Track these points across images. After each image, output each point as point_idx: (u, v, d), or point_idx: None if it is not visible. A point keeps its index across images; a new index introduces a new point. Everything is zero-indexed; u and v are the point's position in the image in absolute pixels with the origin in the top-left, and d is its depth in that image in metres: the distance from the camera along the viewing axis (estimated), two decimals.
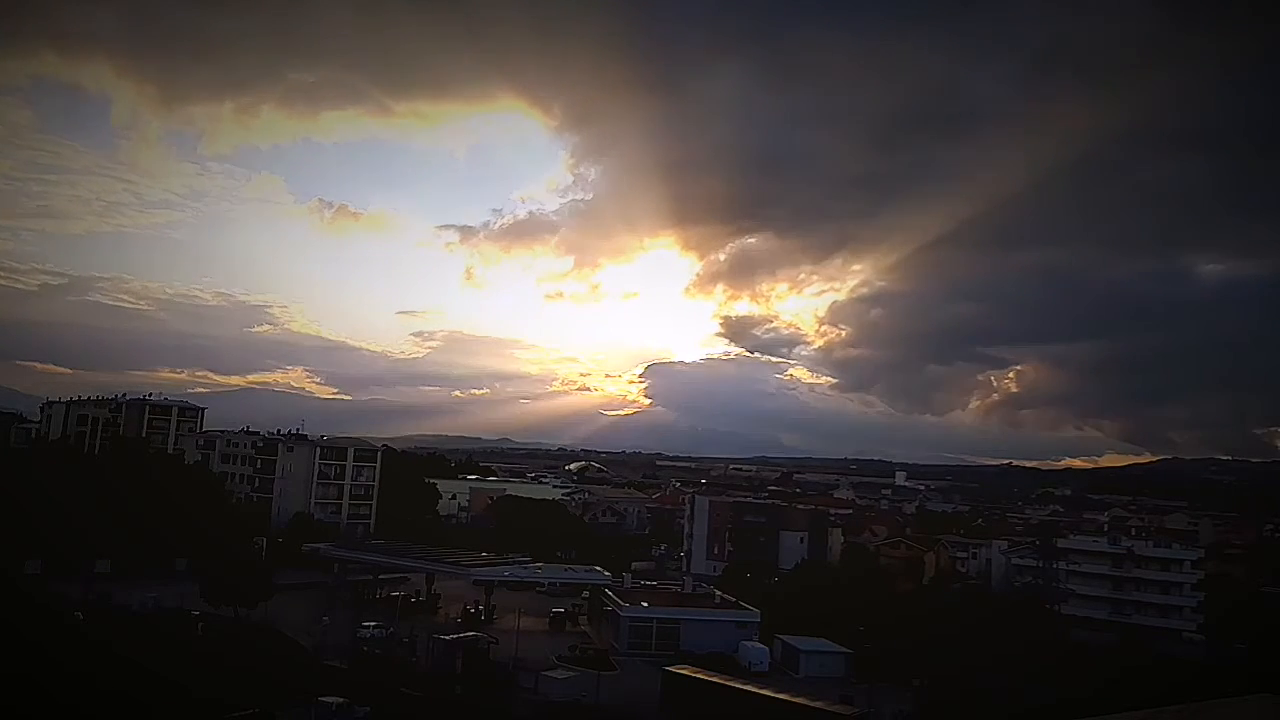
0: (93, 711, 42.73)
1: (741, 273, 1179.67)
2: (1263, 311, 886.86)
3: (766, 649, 74.98)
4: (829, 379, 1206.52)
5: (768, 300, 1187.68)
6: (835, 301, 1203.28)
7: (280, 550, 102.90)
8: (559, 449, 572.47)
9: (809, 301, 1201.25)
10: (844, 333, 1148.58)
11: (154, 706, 45.51)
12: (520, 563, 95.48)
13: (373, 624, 71.74)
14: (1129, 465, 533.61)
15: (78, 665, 46.67)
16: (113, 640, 54.12)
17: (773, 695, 57.10)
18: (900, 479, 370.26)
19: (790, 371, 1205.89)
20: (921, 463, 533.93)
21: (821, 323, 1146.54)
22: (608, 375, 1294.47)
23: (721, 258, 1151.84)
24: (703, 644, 73.96)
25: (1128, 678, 57.95)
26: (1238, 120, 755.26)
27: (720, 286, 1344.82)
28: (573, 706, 57.35)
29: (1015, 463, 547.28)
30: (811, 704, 55.16)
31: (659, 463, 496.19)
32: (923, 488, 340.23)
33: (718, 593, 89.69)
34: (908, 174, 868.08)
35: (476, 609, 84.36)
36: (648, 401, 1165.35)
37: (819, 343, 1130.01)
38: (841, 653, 73.46)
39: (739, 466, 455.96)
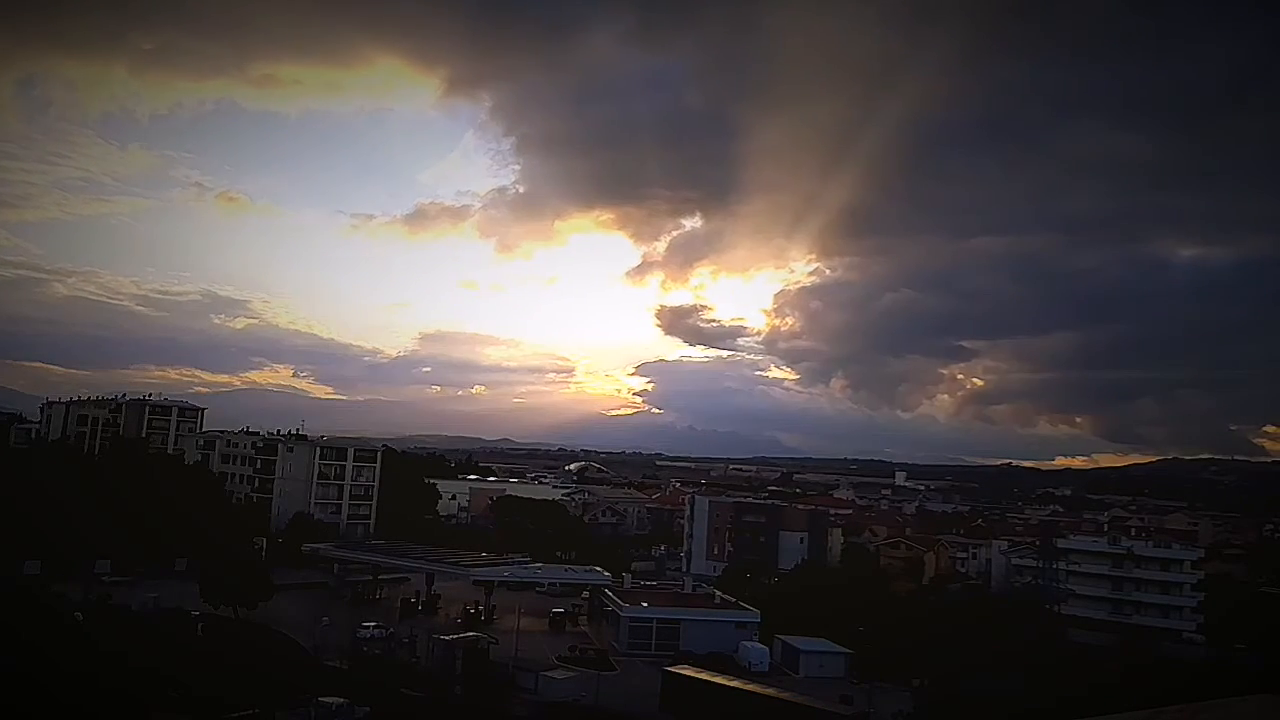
0: (93, 711, 42.75)
1: (679, 260, 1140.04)
2: (1237, 299, 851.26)
3: (766, 649, 74.95)
4: (790, 373, 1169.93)
5: (704, 290, 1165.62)
6: (781, 290, 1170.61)
7: (280, 550, 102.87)
8: (559, 449, 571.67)
9: (756, 290, 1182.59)
10: (791, 323, 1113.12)
11: (154, 706, 45.58)
12: (520, 563, 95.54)
13: (373, 624, 71.78)
14: (1128, 465, 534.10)
15: (78, 665, 46.63)
16: (113, 640, 54.10)
17: (773, 695, 57.16)
18: (900, 479, 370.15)
19: (770, 370, 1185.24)
20: (921, 463, 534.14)
21: (770, 315, 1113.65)
22: (607, 375, 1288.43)
23: (659, 246, 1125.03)
24: (703, 644, 73.98)
25: (1128, 678, 57.90)
26: (1175, 86, 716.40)
27: (659, 275, 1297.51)
28: (573, 706, 57.39)
29: (1015, 463, 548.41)
30: (811, 704, 55.22)
31: (659, 463, 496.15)
32: (923, 488, 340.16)
33: (718, 593, 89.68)
34: (808, 136, 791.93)
35: (476, 609, 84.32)
36: (640, 400, 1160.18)
37: (764, 333, 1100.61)
38: (841, 653, 73.43)
39: (739, 466, 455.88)
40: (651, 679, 62.36)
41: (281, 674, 54.87)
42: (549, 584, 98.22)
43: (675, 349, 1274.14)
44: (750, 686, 59.16)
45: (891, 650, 68.83)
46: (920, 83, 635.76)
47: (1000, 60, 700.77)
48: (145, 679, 47.29)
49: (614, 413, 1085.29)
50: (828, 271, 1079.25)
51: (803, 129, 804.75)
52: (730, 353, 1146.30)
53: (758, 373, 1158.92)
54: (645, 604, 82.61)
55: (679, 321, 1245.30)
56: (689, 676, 60.55)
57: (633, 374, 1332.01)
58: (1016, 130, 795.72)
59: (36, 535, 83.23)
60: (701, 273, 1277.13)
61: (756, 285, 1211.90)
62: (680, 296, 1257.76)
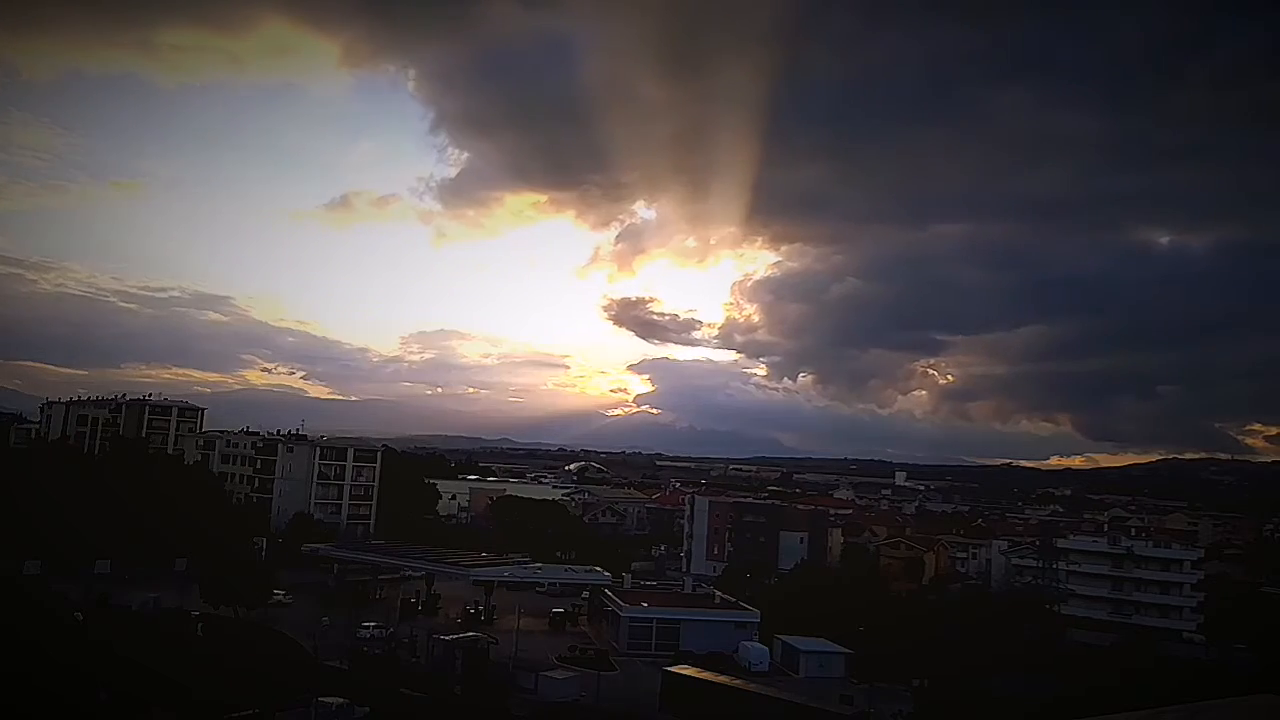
0: (93, 711, 42.78)
1: (627, 250, 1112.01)
2: (1216, 290, 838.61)
3: (766, 649, 74.94)
4: (759, 369, 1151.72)
5: (654, 282, 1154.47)
6: (737, 282, 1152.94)
7: (280, 550, 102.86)
8: (559, 449, 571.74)
9: (710, 282, 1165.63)
10: (749, 315, 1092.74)
11: (154, 706, 45.57)
12: (520, 563, 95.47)
13: (373, 624, 71.80)
14: (1128, 465, 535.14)
15: (78, 665, 46.65)
16: (113, 640, 54.12)
17: (773, 695, 57.14)
18: (900, 479, 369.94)
19: (762, 369, 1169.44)
20: (921, 463, 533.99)
21: (728, 307, 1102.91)
22: (603, 373, 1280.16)
23: (609, 235, 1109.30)
24: (703, 644, 73.97)
25: (1128, 678, 57.92)
26: (1106, 58, 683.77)
27: (608, 267, 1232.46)
28: (573, 706, 57.38)
29: (1015, 463, 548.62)
30: (811, 704, 55.21)
31: (659, 463, 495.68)
32: (923, 488, 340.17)
33: (718, 593, 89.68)
34: (719, 110, 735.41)
35: (476, 609, 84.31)
36: (633, 400, 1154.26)
37: (722, 326, 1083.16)
38: (841, 653, 73.40)
39: (739, 466, 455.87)
40: (651, 679, 62.32)
41: (281, 674, 54.84)
42: (549, 584, 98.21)
43: (648, 345, 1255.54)
44: (750, 686, 59.14)
45: (891, 650, 68.85)
46: (817, 50, 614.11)
47: (902, 29, 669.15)
48: (145, 679, 47.30)
49: (613, 412, 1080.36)
50: (780, 262, 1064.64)
51: (713, 103, 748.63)
52: (720, 352, 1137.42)
53: (752, 371, 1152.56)
54: (645, 604, 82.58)
55: (627, 313, 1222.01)
56: (689, 676, 60.53)
57: (626, 372, 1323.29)
58: (947, 106, 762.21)
59: (36, 535, 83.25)
60: (653, 264, 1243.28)
61: (710, 276, 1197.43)
62: (629, 287, 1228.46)
